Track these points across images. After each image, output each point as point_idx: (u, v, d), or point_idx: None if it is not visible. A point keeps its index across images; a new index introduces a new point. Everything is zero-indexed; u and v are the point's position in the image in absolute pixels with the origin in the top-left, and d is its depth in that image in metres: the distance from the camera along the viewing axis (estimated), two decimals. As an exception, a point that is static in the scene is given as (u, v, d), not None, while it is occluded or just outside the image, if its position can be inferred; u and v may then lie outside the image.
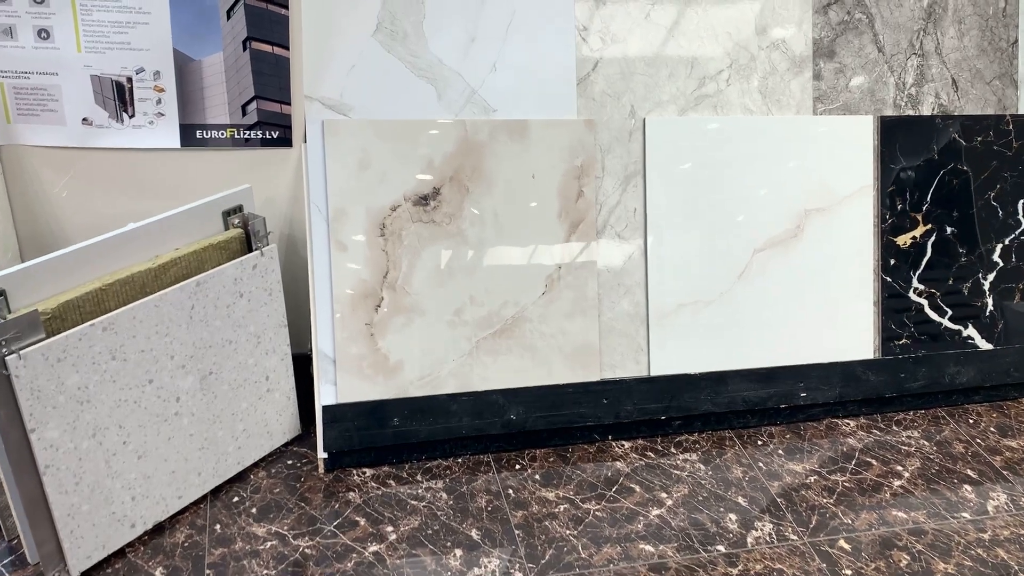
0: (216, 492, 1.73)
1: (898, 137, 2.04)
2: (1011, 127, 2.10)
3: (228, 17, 1.60)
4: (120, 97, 1.61)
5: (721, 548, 1.67)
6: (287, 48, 1.65)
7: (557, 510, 1.74)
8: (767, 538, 1.70)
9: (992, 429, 2.09)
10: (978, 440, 2.04)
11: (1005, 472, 1.93)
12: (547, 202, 1.85)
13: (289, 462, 1.83)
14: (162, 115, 1.64)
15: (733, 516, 1.75)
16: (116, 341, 1.45)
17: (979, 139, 2.09)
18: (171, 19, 1.58)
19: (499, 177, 1.82)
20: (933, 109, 2.08)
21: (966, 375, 2.11)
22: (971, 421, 2.12)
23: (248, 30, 1.62)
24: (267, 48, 1.64)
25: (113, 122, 1.63)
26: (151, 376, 1.52)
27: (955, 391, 2.14)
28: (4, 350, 1.32)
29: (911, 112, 2.07)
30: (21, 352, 1.33)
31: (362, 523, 1.68)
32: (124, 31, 1.57)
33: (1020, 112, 2.14)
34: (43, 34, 1.55)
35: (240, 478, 1.77)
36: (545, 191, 1.84)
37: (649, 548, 1.67)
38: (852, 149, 2.02)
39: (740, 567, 1.63)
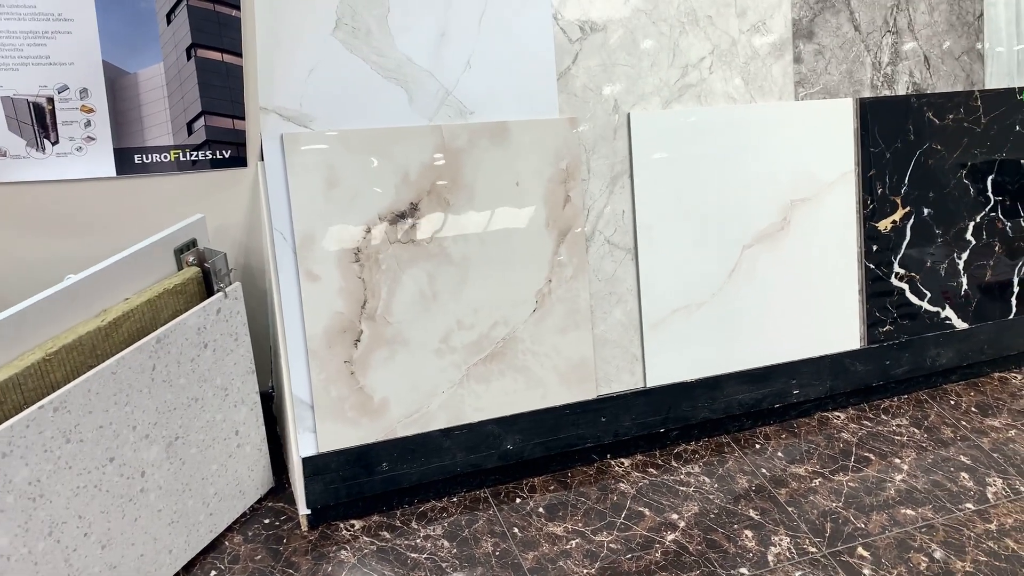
0: (189, 567, 1.51)
1: (876, 119, 1.97)
2: (979, 103, 2.06)
3: (168, 22, 1.35)
4: (40, 121, 1.34)
5: (744, 571, 1.58)
6: (239, 55, 1.41)
7: (569, 546, 1.61)
8: (787, 553, 1.62)
9: (973, 409, 2.08)
10: (963, 423, 2.02)
11: (995, 455, 1.91)
12: (533, 211, 1.68)
13: (266, 521, 1.62)
14: (92, 139, 1.38)
15: (749, 533, 1.67)
16: (70, 421, 1.22)
17: (951, 117, 2.04)
18: (99, 26, 1.31)
19: (481, 187, 1.64)
20: (907, 88, 2.02)
21: (945, 356, 2.09)
22: (952, 402, 2.10)
23: (192, 35, 1.37)
24: (215, 56, 1.40)
25: (32, 151, 1.36)
26: (112, 454, 1.29)
27: (934, 373, 2.12)
28: (-63, 454, 1.07)
29: (887, 92, 2.00)
30: (-42, 454, 1.08)
31: (361, 586, 1.51)
32: (41, 42, 1.30)
33: (987, 87, 2.11)
34: (-62, 50, 1.26)
35: (214, 546, 1.56)
36: (530, 199, 1.68)
37: (672, 580, 1.56)
38: (834, 134, 1.94)
39: (768, 590, 1.55)
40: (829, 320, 1.97)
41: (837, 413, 2.04)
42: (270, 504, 1.66)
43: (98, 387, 1.24)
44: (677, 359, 1.83)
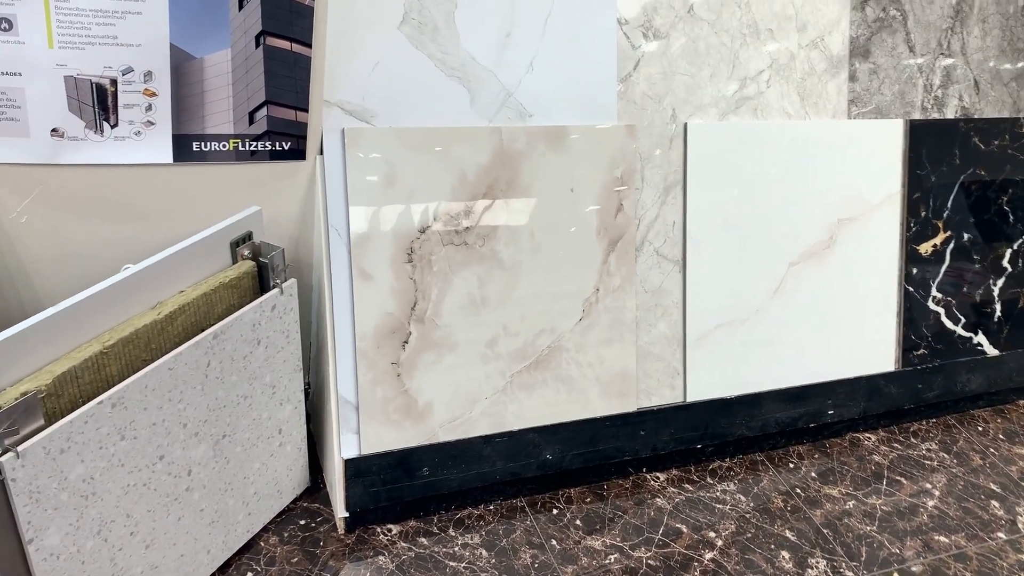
0: (225, 567, 1.48)
1: (924, 142, 1.95)
2: (1024, 130, 2.06)
3: (240, 7, 1.30)
4: (101, 103, 1.30)
5: (783, 593, 1.57)
6: (309, 45, 1.37)
7: (608, 561, 1.59)
8: (824, 577, 1.61)
9: (1001, 436, 2.08)
10: (991, 450, 2.02)
11: (1023, 483, 1.91)
12: (586, 218, 1.65)
13: (301, 522, 1.59)
14: (151, 124, 1.34)
15: (786, 554, 1.65)
16: (126, 417, 1.18)
17: (996, 143, 2.03)
18: (170, 9, 1.27)
19: (536, 191, 1.61)
20: (956, 112, 2.01)
21: (975, 382, 2.09)
22: (980, 429, 2.10)
23: (263, 22, 1.32)
24: (284, 44, 1.35)
25: (90, 133, 1.31)
26: (162, 452, 1.25)
27: (963, 398, 2.11)
28: (-3, 449, 1.02)
29: (936, 115, 1.98)
30: (19, 449, 1.04)
31: (401, 594, 1.48)
32: (110, 22, 1.25)
33: (1033, 115, 2.10)
34: (3, 24, 1.21)
35: (249, 547, 1.52)
36: (584, 206, 1.65)
37: (712, 599, 1.54)
38: (883, 155, 1.92)
39: (807, 614, 1.54)
40: (867, 341, 1.96)
41: (868, 435, 2.03)
42: (305, 504, 1.63)
43: (155, 383, 1.20)
44: (718, 375, 1.81)
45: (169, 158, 1.37)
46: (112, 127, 1.31)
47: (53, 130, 1.29)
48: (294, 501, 1.62)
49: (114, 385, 1.17)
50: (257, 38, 1.33)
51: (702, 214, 1.76)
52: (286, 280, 1.40)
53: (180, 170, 1.39)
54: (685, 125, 1.72)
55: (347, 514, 1.55)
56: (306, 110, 1.41)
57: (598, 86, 1.64)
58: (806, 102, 1.83)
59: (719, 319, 1.80)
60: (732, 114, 1.77)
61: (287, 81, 1.37)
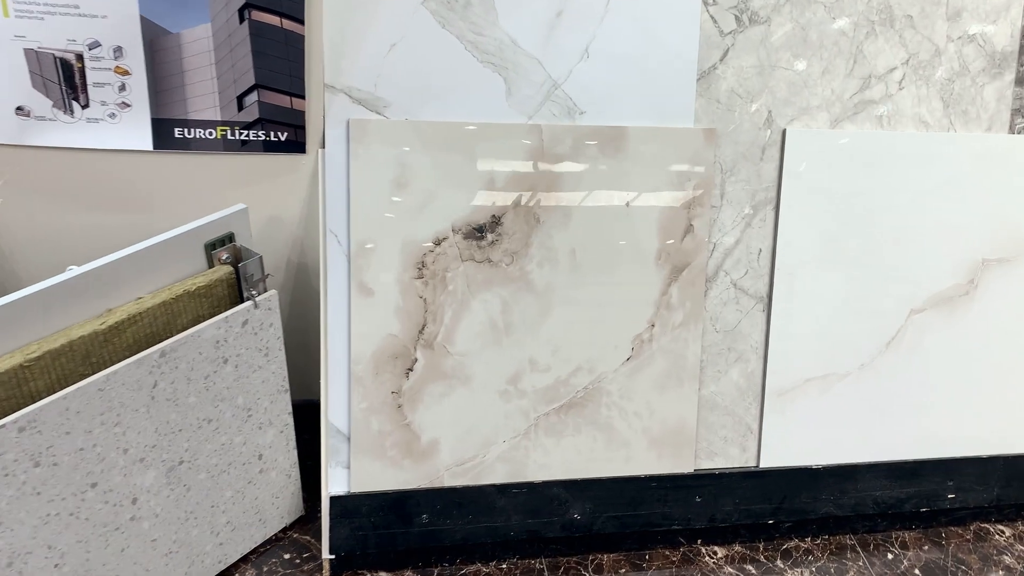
0: (189, 600, 1.34)
1: (1118, 167, 1.51)
2: None
3: (217, -25, 1.12)
4: (68, 80, 1.15)
5: None
6: (302, 21, 1.17)
7: (629, 653, 1.32)
8: None
9: None
10: None
11: None
12: (643, 239, 1.37)
13: (286, 556, 1.43)
14: (127, 106, 1.18)
15: (860, 675, 1.32)
16: (40, 443, 1.04)
17: None
18: (135, -25, 1.10)
19: (581, 204, 1.34)
20: None
21: None
22: None
23: (246, -6, 1.14)
24: (273, 20, 1.16)
25: (59, 113, 1.17)
26: (94, 479, 1.11)
27: None
28: None
29: None
30: None
31: (374, 659, 1.28)
32: (68, -11, 1.10)
33: None
34: (-48, -11, 1.09)
35: (222, 579, 1.37)
36: (642, 224, 1.37)
37: None
38: (1055, 181, 1.50)
39: None
40: (1009, 414, 1.57)
41: (1001, 528, 1.63)
42: (295, 535, 1.46)
43: (79, 405, 1.06)
44: (803, 438, 1.49)
45: (148, 144, 1.21)
46: (83, 107, 1.17)
47: (18, 108, 1.16)
48: (284, 530, 1.46)
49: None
50: (241, 12, 1.14)
51: (798, 242, 1.43)
52: (264, 291, 1.22)
53: (162, 158, 1.24)
54: (784, 131, 1.40)
55: (332, 556, 1.37)
56: (302, 96, 1.21)
57: (672, 80, 1.35)
58: (952, 110, 1.45)
59: (810, 371, 1.47)
60: (848, 121, 1.42)
61: (279, 62, 1.18)
